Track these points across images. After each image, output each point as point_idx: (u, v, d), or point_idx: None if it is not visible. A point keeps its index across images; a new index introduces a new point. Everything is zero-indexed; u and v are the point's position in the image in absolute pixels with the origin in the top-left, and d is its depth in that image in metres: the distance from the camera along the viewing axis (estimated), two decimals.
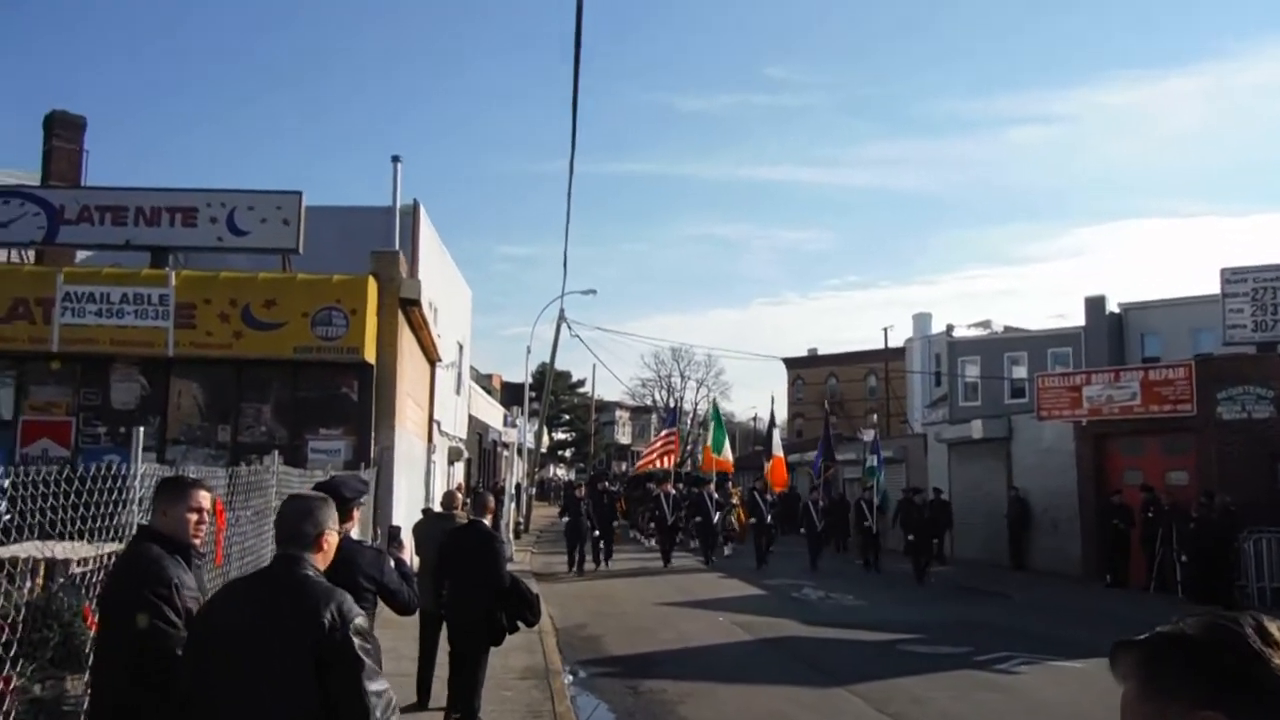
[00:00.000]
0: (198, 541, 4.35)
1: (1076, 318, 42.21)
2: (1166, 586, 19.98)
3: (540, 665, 12.06)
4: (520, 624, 8.85)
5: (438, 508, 13.18)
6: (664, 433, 34.27)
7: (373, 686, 3.28)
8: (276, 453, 9.48)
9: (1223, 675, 1.34)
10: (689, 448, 60.95)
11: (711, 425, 32.30)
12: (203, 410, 16.94)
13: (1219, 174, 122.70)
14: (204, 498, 4.37)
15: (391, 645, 11.50)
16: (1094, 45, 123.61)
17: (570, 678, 11.78)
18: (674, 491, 28.19)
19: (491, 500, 9.70)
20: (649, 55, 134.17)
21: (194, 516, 4.29)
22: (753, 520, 27.78)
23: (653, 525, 30.76)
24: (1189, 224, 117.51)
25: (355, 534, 11.75)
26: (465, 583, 8.70)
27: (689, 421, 69.21)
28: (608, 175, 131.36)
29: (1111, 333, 39.75)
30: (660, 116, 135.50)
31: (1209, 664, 1.36)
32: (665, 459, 32.24)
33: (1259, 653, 1.34)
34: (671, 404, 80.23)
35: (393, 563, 5.78)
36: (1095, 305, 40.64)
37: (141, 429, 5.70)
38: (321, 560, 3.54)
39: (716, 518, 27.21)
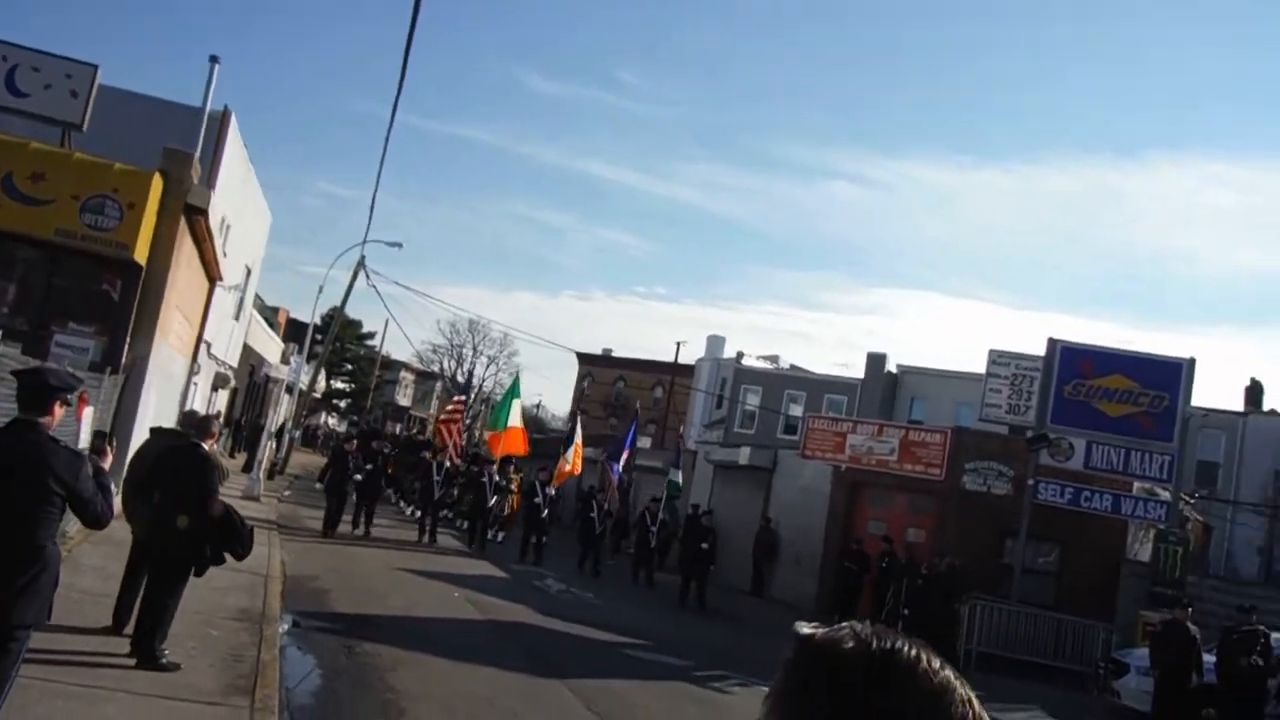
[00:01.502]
0: None
1: (858, 370, 44.29)
2: None
3: (257, 609, 11.48)
4: (228, 556, 8.40)
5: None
6: (458, 398, 31.94)
7: None
8: (1, 334, 8.62)
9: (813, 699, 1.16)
10: (468, 422, 60.15)
11: (503, 400, 29.19)
12: None
13: (1007, 267, 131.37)
14: None
15: (101, 564, 10.78)
16: (924, 123, 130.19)
17: (285, 627, 11.27)
18: (449, 464, 25.75)
19: (216, 426, 9.21)
20: (511, 26, 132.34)
21: None
22: (525, 513, 25.85)
23: (416, 495, 28.73)
24: (968, 305, 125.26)
25: (84, 437, 10.94)
26: (171, 504, 8.19)
27: (472, 396, 68.36)
28: (445, 135, 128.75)
29: (886, 390, 41.87)
30: (507, 90, 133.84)
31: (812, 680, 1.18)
32: (449, 429, 29.42)
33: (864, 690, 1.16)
34: (460, 376, 79.30)
35: (91, 469, 5.26)
36: (876, 361, 42.73)
37: None
38: None
39: (492, 501, 25.49)
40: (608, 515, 25.86)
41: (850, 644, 1.19)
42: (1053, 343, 21.24)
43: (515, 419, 26.95)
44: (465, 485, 26.75)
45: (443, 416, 30.08)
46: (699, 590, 21.71)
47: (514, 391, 28.42)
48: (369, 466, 22.38)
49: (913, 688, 1.16)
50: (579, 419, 31.36)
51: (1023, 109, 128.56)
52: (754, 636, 18.31)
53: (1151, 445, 20.74)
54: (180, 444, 8.89)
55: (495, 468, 26.14)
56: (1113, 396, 20.77)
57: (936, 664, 1.20)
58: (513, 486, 28.83)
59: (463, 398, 30.33)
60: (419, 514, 26.09)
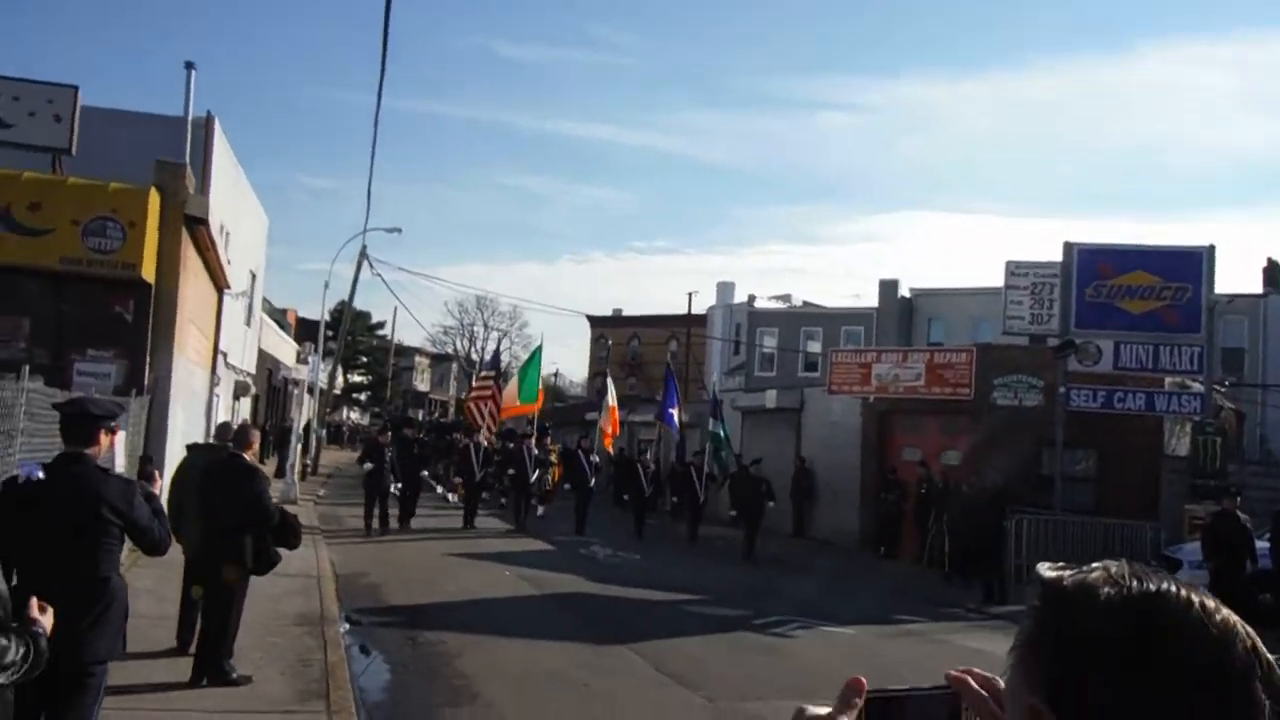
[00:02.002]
0: None
1: (870, 299, 44.05)
2: (935, 560, 21.04)
3: (315, 612, 11.51)
4: (279, 551, 8.50)
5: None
6: (485, 374, 29.49)
7: None
8: (25, 369, 8.55)
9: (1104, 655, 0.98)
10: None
11: (525, 369, 28.10)
12: None
13: (1002, 176, 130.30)
14: None
15: (153, 586, 10.77)
16: (898, 42, 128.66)
17: (346, 626, 11.29)
18: (485, 443, 24.78)
19: (255, 435, 9.16)
20: None
21: None
22: (567, 485, 25.25)
23: (457, 480, 28.23)
24: (973, 220, 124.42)
25: (120, 462, 10.89)
26: (220, 518, 8.16)
27: (503, 367, 68.35)
28: (420, 114, 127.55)
29: (902, 315, 41.67)
30: (477, 60, 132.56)
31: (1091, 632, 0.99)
32: (480, 406, 27.42)
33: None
34: (475, 354, 79.29)
35: (142, 496, 5.18)
36: (888, 288, 42.49)
37: None
38: None
39: (535, 476, 24.41)
40: (655, 476, 25.21)
41: (1107, 588, 1.02)
42: (1069, 246, 20.98)
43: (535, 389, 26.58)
44: (503, 462, 25.94)
45: (473, 394, 28.71)
46: (750, 541, 21.26)
47: (537, 361, 27.84)
48: (402, 456, 21.55)
49: (1188, 636, 0.97)
50: (609, 380, 29.55)
51: (994, 16, 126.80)
52: (804, 578, 18.32)
53: (1178, 339, 20.53)
54: (222, 457, 8.83)
55: (533, 440, 25.19)
56: (1135, 294, 20.54)
57: (1212, 604, 1.00)
58: (552, 458, 27.69)
59: (492, 373, 28.28)
60: (458, 499, 25.87)
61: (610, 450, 27.84)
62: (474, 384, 29.62)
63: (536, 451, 24.87)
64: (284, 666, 8.91)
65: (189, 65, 17.87)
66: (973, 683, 1.13)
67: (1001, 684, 1.11)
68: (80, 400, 5.43)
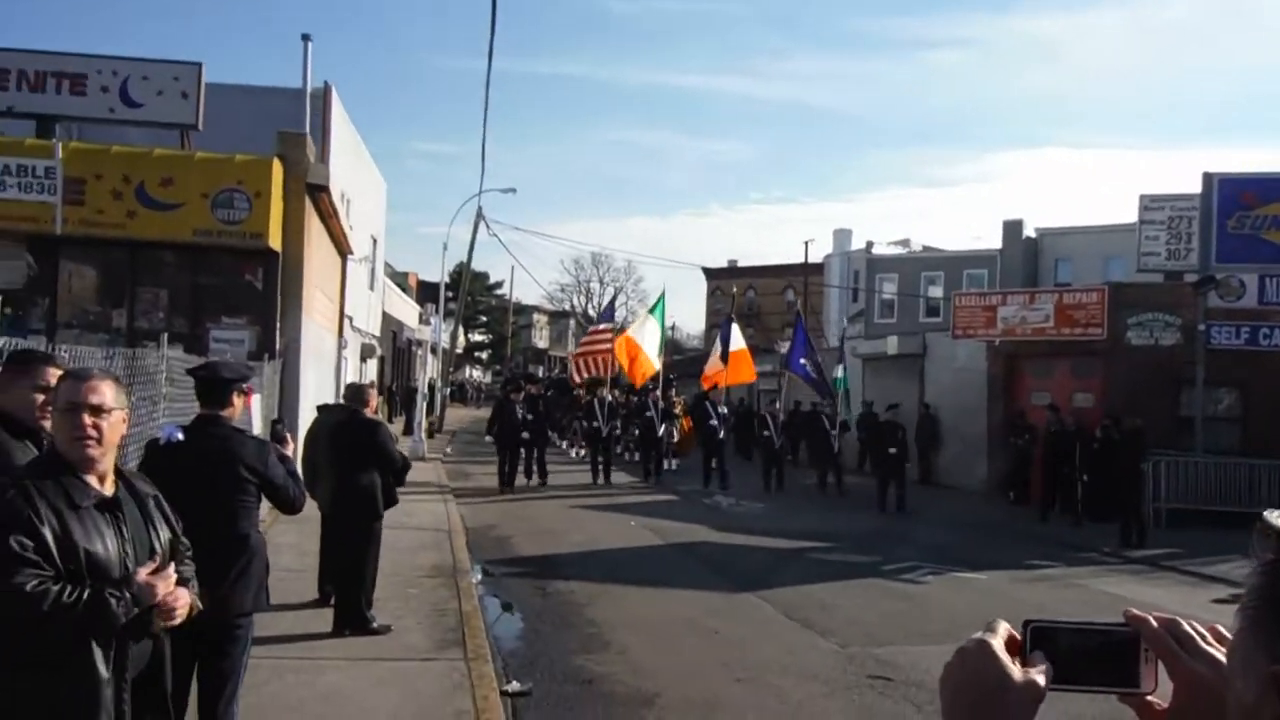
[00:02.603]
0: (46, 424, 3.62)
1: (993, 240, 42.77)
2: (1067, 506, 20.44)
3: (448, 563, 11.81)
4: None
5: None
6: (598, 327, 27.98)
7: None
8: (165, 337, 8.91)
9: None
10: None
11: (652, 320, 26.31)
12: (96, 293, 16.10)
13: (1128, 108, 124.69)
14: (53, 375, 3.68)
15: (295, 541, 11.18)
16: None
17: (478, 577, 11.55)
18: (610, 398, 24.26)
19: (372, 393, 9.47)
20: None
21: (41, 396, 3.64)
22: (700, 438, 23.98)
23: (576, 435, 28.07)
24: (1099, 155, 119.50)
25: (255, 425, 11.30)
26: (347, 473, 8.50)
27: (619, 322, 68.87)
28: (528, 75, 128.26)
29: (1026, 256, 40.38)
30: (587, 17, 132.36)
31: None
32: (597, 360, 26.32)
33: None
34: (592, 310, 79.89)
35: (276, 456, 5.34)
36: (1012, 229, 41.14)
37: None
38: None
39: (662, 429, 23.80)
40: (784, 427, 24.02)
41: None
42: (1208, 177, 19.89)
43: (652, 343, 25.34)
44: (628, 416, 25.63)
45: (581, 349, 27.59)
46: (898, 491, 20.04)
47: (660, 311, 26.22)
48: (530, 416, 20.95)
49: None
50: (732, 323, 26.72)
51: None
52: (933, 524, 18.01)
53: None
54: (344, 417, 9.08)
55: (659, 392, 24.69)
56: None
57: None
58: (677, 410, 26.87)
59: (609, 325, 27.05)
60: (583, 454, 25.63)
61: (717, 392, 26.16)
62: (586, 337, 27.81)
63: (663, 404, 24.32)
64: (421, 616, 9.16)
65: (305, 37, 18.25)
66: (1154, 623, 1.05)
67: (1186, 627, 1.03)
68: (212, 364, 5.60)
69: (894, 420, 21.45)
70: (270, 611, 6.88)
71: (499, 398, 24.13)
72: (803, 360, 24.45)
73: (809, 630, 9.71)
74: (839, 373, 24.46)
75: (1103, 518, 18.14)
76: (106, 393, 3.31)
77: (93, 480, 3.27)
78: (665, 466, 24.06)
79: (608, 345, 25.56)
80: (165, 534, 3.52)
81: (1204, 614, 10.44)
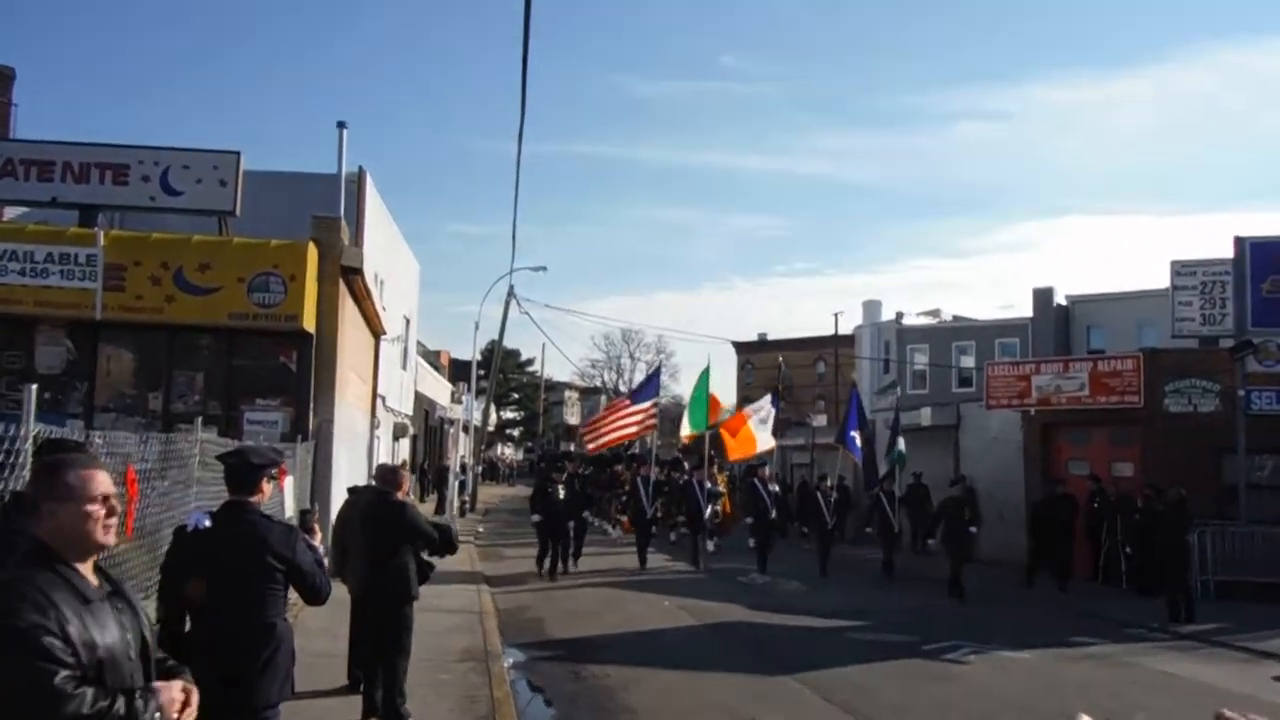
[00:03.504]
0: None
1: (1023, 309, 42.60)
2: (1111, 578, 20.00)
3: (480, 647, 11.66)
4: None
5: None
6: (640, 407, 24.80)
7: None
8: (199, 420, 8.96)
9: None
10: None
11: (692, 395, 25.11)
12: (133, 377, 16.28)
13: (1155, 175, 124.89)
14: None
15: (327, 625, 11.09)
16: (1040, 44, 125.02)
17: (510, 661, 11.38)
18: (653, 476, 23.06)
19: (405, 476, 9.35)
20: (601, 36, 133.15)
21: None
22: (749, 519, 22.21)
23: (620, 515, 27.17)
24: (1126, 221, 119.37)
25: (288, 506, 11.27)
26: (380, 558, 8.33)
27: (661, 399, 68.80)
28: (557, 155, 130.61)
29: (1058, 324, 40.13)
30: (611, 100, 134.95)
31: None
32: (628, 435, 24.94)
33: None
34: (623, 386, 79.85)
35: (304, 544, 5.30)
36: (1043, 296, 40.95)
37: (34, 387, 5.13)
38: None
39: (708, 511, 22.40)
40: (840, 506, 22.70)
41: None
42: (1240, 241, 19.75)
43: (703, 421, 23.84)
44: (674, 495, 24.33)
45: (636, 420, 24.48)
46: (955, 569, 18.35)
47: (704, 383, 24.44)
48: (574, 491, 19.83)
49: None
50: (775, 397, 26.06)
51: (1138, 6, 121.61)
52: (973, 601, 17.65)
53: None
54: (377, 500, 9.00)
55: (705, 470, 23.10)
56: None
57: None
58: (721, 488, 25.10)
59: (656, 399, 25.30)
60: (622, 534, 24.92)
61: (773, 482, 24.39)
62: (631, 412, 24.77)
63: (709, 483, 22.72)
64: (452, 703, 9.02)
65: (341, 124, 18.62)
66: None
67: None
68: (242, 450, 5.61)
69: (962, 494, 19.59)
70: (296, 699, 6.81)
71: (539, 479, 22.75)
72: (854, 434, 23.65)
73: (850, 715, 9.46)
74: (901, 446, 23.38)
75: (1148, 591, 17.71)
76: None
77: (85, 571, 3.08)
78: (709, 549, 22.70)
79: (642, 422, 23.98)
80: (146, 621, 3.36)
81: (1267, 693, 10.07)
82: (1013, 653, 12.85)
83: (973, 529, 19.13)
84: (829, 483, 23.07)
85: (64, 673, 2.80)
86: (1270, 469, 20.50)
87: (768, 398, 25.50)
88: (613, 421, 24.50)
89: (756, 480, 22.56)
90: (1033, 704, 10.15)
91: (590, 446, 25.49)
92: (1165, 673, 12.03)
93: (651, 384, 25.97)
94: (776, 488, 23.79)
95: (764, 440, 24.06)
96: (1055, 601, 18.18)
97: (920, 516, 23.73)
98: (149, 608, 7.45)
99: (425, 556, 8.62)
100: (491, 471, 57.25)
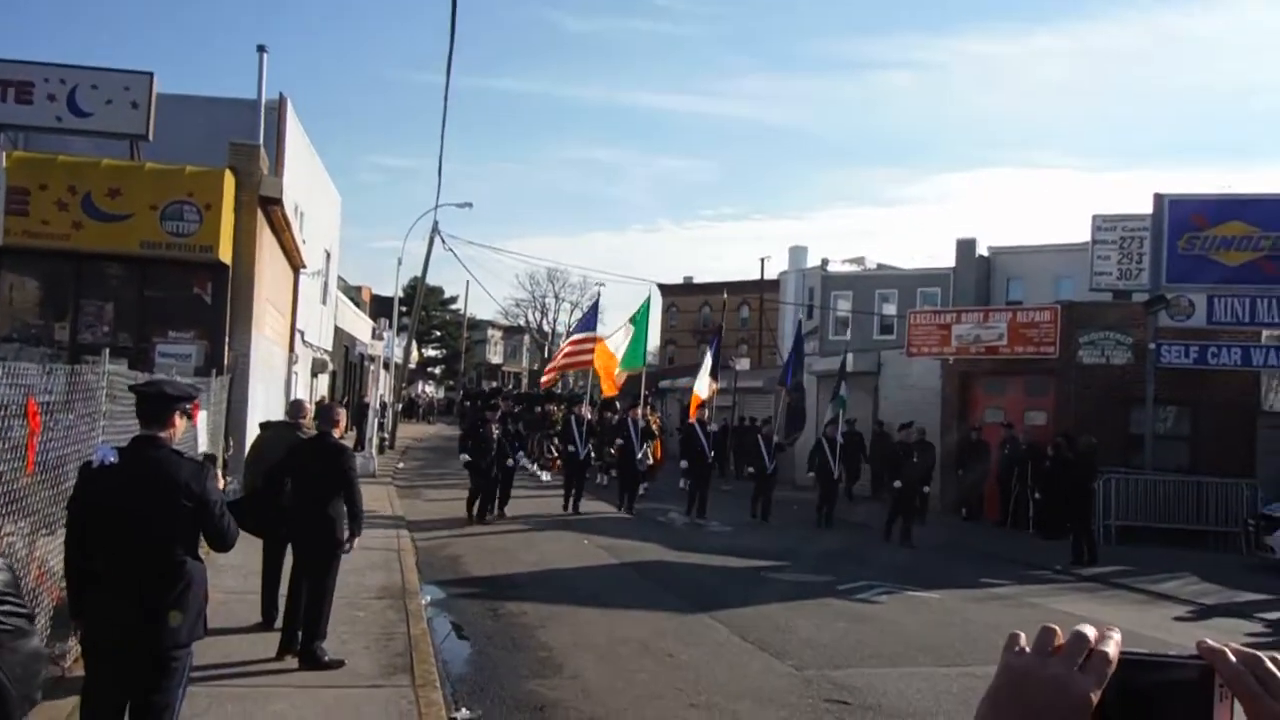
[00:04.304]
0: None
1: (946, 259, 43.16)
2: (1019, 522, 20.59)
3: (397, 584, 11.59)
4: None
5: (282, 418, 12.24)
6: (577, 337, 24.65)
7: None
8: (107, 352, 8.65)
9: None
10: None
11: (630, 332, 23.81)
12: (38, 306, 15.72)
13: (1078, 130, 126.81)
14: None
15: (240, 561, 10.87)
16: None
17: (428, 599, 11.34)
18: (588, 416, 22.27)
19: (341, 412, 9.15)
20: None
21: None
22: (684, 462, 21.82)
23: (551, 456, 26.98)
24: (1048, 175, 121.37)
25: (202, 440, 11.01)
26: (311, 497, 8.16)
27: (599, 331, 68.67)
28: (486, 90, 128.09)
29: (980, 275, 40.76)
30: (542, 35, 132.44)
31: None
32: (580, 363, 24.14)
33: None
34: (546, 326, 79.56)
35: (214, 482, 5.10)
36: (966, 247, 41.53)
37: None
38: None
39: (641, 451, 21.46)
40: (778, 449, 21.63)
41: None
42: (1159, 198, 20.18)
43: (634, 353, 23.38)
44: (606, 435, 23.36)
45: (565, 360, 24.55)
46: (905, 522, 18.15)
47: (643, 319, 23.65)
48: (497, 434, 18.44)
49: None
50: (717, 342, 25.60)
51: None
52: (885, 543, 18.03)
53: (1277, 290, 19.69)
54: (312, 436, 8.78)
55: (639, 410, 22.41)
56: (1231, 245, 19.70)
57: None
58: (653, 429, 24.24)
59: (590, 334, 24.12)
60: (551, 478, 24.57)
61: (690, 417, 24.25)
62: (569, 345, 24.62)
63: (641, 423, 21.98)
64: (368, 640, 8.95)
65: (261, 48, 18.01)
66: (1233, 658, 0.94)
67: (1269, 665, 0.93)
68: (157, 381, 5.40)
69: (918, 440, 18.94)
70: (210, 637, 6.68)
71: (471, 417, 21.85)
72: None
73: (764, 653, 9.62)
74: (842, 391, 22.87)
75: (1054, 535, 18.28)
76: None
77: None
78: (640, 492, 21.83)
79: (590, 355, 23.41)
80: None
81: (1162, 634, 10.45)
82: (924, 593, 13.17)
83: (925, 488, 18.73)
84: (770, 426, 22.51)
85: None
86: (1176, 420, 21.22)
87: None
88: (567, 354, 24.15)
89: (696, 423, 22.01)
90: (941, 641, 10.42)
91: (544, 380, 25.00)
92: (1068, 613, 12.40)
93: (590, 316, 25.17)
94: (715, 428, 23.28)
95: (703, 386, 23.45)
96: (968, 543, 18.64)
97: (853, 464, 23.74)
98: (54, 543, 7.27)
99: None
100: (411, 409, 56.76)
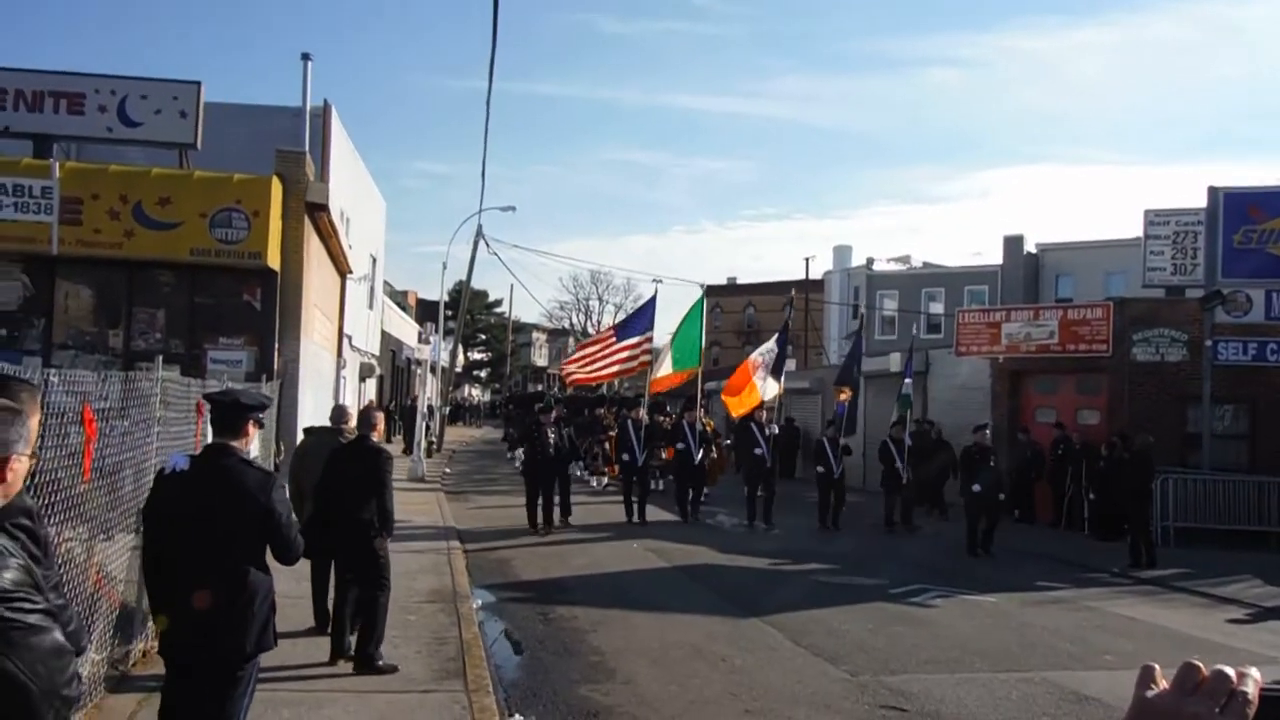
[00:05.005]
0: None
1: (993, 256, 42.66)
2: (1073, 524, 20.25)
3: (448, 588, 11.59)
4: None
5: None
6: (630, 341, 22.40)
7: None
8: (160, 359, 8.72)
9: None
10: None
11: (680, 329, 22.61)
12: (92, 314, 15.93)
13: (1123, 125, 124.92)
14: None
15: (294, 566, 10.96)
16: None
17: (478, 602, 11.32)
18: (646, 420, 20.59)
19: (379, 416, 9.13)
20: None
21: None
22: (736, 463, 20.38)
23: (599, 462, 25.92)
24: (1096, 171, 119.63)
25: (254, 450, 11.07)
26: (351, 501, 8.15)
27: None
28: (526, 95, 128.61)
29: (1028, 272, 40.25)
30: (580, 38, 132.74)
31: None
32: (616, 373, 23.06)
33: None
34: (590, 328, 79.58)
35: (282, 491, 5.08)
36: (1013, 244, 41.02)
37: None
38: None
39: (699, 456, 20.32)
40: (844, 451, 20.32)
41: None
42: (1213, 191, 19.75)
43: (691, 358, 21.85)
44: (662, 439, 21.65)
45: (623, 358, 22.34)
46: (988, 528, 17.19)
47: (698, 315, 22.30)
48: (553, 438, 17.63)
49: None
50: (783, 338, 22.87)
51: None
52: (936, 545, 17.80)
53: None
54: (351, 440, 8.83)
55: (697, 414, 21.06)
56: None
57: None
58: (709, 432, 22.55)
59: (648, 335, 22.68)
60: (606, 484, 24.05)
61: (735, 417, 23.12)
62: (624, 348, 22.40)
63: (700, 427, 20.73)
64: (420, 645, 8.94)
65: (305, 56, 18.24)
66: None
67: None
68: (233, 391, 5.41)
69: (985, 443, 17.88)
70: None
71: (528, 421, 20.94)
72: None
73: (818, 657, 9.49)
74: (905, 389, 21.81)
75: (1110, 536, 17.93)
76: None
77: None
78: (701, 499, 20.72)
79: (647, 356, 22.21)
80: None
81: (1218, 636, 10.19)
82: (978, 596, 12.96)
83: (975, 487, 17.22)
84: (834, 428, 20.72)
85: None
86: (1234, 419, 20.75)
87: (771, 341, 22.56)
88: (598, 356, 22.44)
89: (753, 424, 20.48)
90: (998, 645, 10.23)
91: (571, 379, 23.87)
92: (1127, 617, 12.18)
93: (644, 315, 23.27)
94: (776, 429, 21.35)
95: (768, 390, 21.20)
96: (1020, 544, 18.34)
97: (924, 465, 21.72)
98: (113, 548, 7.32)
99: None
100: (457, 413, 57.06)
